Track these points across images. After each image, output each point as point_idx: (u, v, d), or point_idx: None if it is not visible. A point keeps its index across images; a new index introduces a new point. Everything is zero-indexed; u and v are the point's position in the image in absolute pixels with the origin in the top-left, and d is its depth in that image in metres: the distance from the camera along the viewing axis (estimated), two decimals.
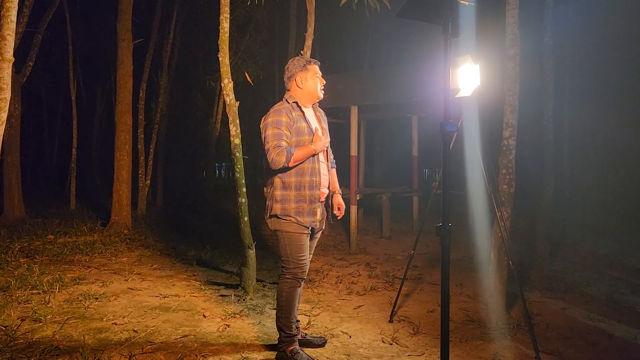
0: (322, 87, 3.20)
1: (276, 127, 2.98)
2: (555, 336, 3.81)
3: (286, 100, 3.14)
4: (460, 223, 8.50)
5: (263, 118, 3.09)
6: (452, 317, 4.14)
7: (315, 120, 3.22)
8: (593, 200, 12.12)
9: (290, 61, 3.22)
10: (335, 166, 3.43)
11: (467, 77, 3.58)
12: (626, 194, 12.75)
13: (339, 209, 3.33)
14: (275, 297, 4.41)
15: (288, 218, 3.02)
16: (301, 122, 3.07)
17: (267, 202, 3.14)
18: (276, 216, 3.05)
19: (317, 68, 3.19)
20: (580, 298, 4.98)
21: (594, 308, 4.63)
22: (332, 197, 3.34)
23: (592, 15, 10.00)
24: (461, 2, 1.90)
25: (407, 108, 9.35)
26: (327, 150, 3.26)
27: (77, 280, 4.96)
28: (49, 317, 3.79)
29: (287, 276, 3.08)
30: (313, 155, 3.03)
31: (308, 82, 3.15)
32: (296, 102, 3.13)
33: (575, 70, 10.57)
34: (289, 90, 3.20)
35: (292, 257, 3.05)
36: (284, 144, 2.96)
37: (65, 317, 3.81)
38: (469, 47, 4.02)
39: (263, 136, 3.02)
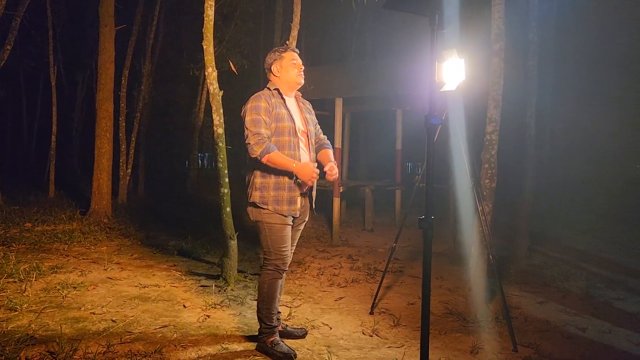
0: (301, 73, 3.15)
1: (255, 113, 2.96)
2: (533, 329, 3.87)
3: (268, 88, 3.13)
4: (442, 217, 8.61)
5: (243, 105, 3.06)
6: (432, 310, 4.17)
7: (297, 110, 3.19)
8: (573, 196, 12.32)
9: (268, 52, 3.22)
10: (331, 147, 3.36)
11: (452, 71, 3.58)
12: (605, 190, 12.99)
13: (330, 170, 3.12)
14: (256, 288, 4.40)
15: (267, 207, 2.99)
16: (281, 108, 3.05)
17: (247, 190, 3.11)
18: (254, 204, 3.03)
19: (293, 54, 3.15)
20: (557, 292, 5.07)
21: (570, 302, 4.71)
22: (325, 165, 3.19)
23: (575, 14, 10.11)
24: None
25: (391, 101, 9.37)
26: (309, 139, 3.20)
27: (55, 269, 4.88)
28: (25, 306, 3.73)
29: (269, 267, 3.07)
30: (290, 171, 2.92)
31: (284, 69, 3.12)
32: (277, 90, 3.11)
33: (559, 67, 10.69)
34: (270, 81, 3.19)
35: (273, 249, 3.04)
36: (263, 131, 2.94)
37: (42, 306, 3.75)
38: (454, 41, 4.03)
39: (243, 122, 3.00)
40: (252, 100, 3.02)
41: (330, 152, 3.32)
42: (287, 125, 3.02)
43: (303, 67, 3.18)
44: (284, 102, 3.10)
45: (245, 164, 3.01)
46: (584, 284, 5.40)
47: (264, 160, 2.89)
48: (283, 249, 3.05)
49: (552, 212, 10.59)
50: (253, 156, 2.91)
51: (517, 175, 6.78)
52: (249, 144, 2.91)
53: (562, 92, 11.30)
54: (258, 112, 2.97)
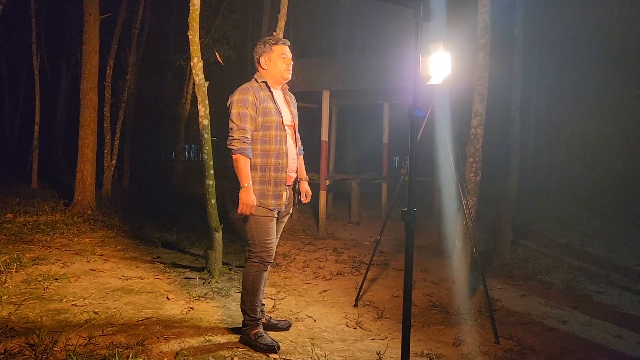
0: (289, 68, 3.11)
1: (242, 106, 2.94)
2: (514, 322, 3.91)
3: (255, 80, 3.09)
4: (427, 210, 8.66)
5: (230, 95, 3.03)
6: (415, 302, 4.20)
7: (285, 104, 3.18)
8: (556, 191, 12.47)
9: (258, 42, 3.17)
10: (302, 152, 3.39)
11: (439, 64, 3.58)
12: (587, 185, 13.17)
13: (305, 195, 3.34)
14: (240, 280, 4.39)
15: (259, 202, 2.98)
16: (268, 102, 3.03)
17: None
18: None
19: (283, 48, 3.10)
20: (539, 286, 5.13)
21: (551, 295, 4.77)
22: (298, 184, 3.32)
23: (562, 9, 10.18)
24: None
25: (379, 95, 9.36)
26: (296, 134, 3.22)
27: (37, 261, 4.82)
28: (5, 297, 3.67)
29: (254, 260, 3.05)
30: (244, 187, 2.90)
31: (272, 62, 3.08)
32: (265, 82, 3.08)
33: (543, 63, 10.78)
34: (257, 71, 3.15)
35: (259, 241, 3.02)
36: (248, 127, 2.93)
37: (23, 298, 3.70)
38: (441, 34, 4.03)
39: (229, 113, 2.97)
40: (240, 93, 2.99)
41: (302, 160, 3.37)
42: (274, 120, 3.01)
43: (292, 62, 3.13)
44: (272, 95, 3.08)
45: (231, 157, 2.98)
46: (566, 278, 5.47)
47: (234, 156, 2.92)
48: (268, 241, 3.04)
49: (535, 206, 10.71)
50: (229, 147, 2.93)
51: (502, 169, 6.84)
52: (232, 137, 2.92)
53: (546, 88, 11.41)
54: (245, 105, 2.94)
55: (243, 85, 3.04)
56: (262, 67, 3.10)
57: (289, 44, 3.16)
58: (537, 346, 3.42)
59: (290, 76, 3.14)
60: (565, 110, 12.61)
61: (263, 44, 3.12)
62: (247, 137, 2.92)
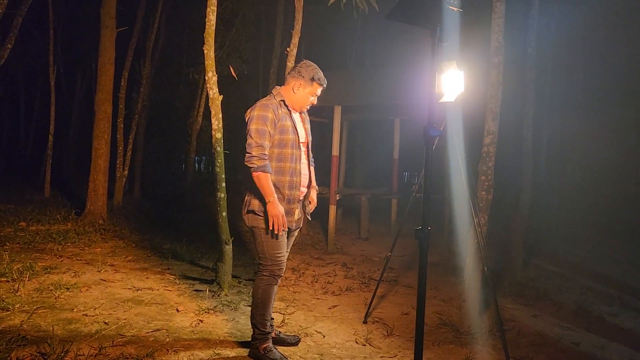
0: (309, 106, 3.21)
1: (262, 123, 2.95)
2: (526, 342, 3.87)
3: (274, 96, 3.11)
4: (436, 227, 8.61)
5: (249, 110, 3.05)
6: (425, 321, 4.12)
7: (300, 122, 3.21)
8: (567, 209, 12.35)
9: (305, 63, 3.19)
10: (313, 164, 3.40)
11: (451, 82, 3.60)
12: (600, 204, 13.04)
13: (310, 202, 3.34)
14: (250, 293, 4.39)
15: (265, 216, 3.00)
16: (287, 120, 3.06)
17: (245, 198, 3.10)
18: (253, 212, 3.02)
19: (318, 89, 3.17)
20: (551, 306, 5.07)
21: (564, 316, 4.71)
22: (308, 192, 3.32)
23: (574, 29, 10.19)
24: (450, 7, 1.91)
25: (390, 111, 9.40)
26: (308, 149, 3.25)
27: (49, 270, 4.85)
28: (18, 305, 3.70)
29: (264, 273, 3.06)
30: (268, 201, 2.93)
31: (302, 93, 3.13)
32: (284, 101, 3.11)
33: (556, 81, 10.76)
34: (282, 87, 3.18)
35: (269, 254, 3.03)
36: (266, 144, 2.95)
37: (35, 307, 3.72)
38: (454, 53, 4.05)
39: (247, 128, 2.98)
40: (260, 109, 2.99)
41: (313, 171, 3.36)
42: (291, 138, 3.04)
43: (315, 103, 3.23)
44: (290, 114, 3.12)
45: (241, 169, 3.02)
46: (578, 298, 5.41)
47: (254, 174, 2.91)
48: (278, 255, 3.05)
49: (547, 224, 10.62)
50: (248, 165, 2.92)
51: (513, 188, 6.80)
52: (251, 154, 2.91)
53: (559, 106, 11.37)
54: (265, 122, 2.96)
55: (262, 102, 3.05)
56: (292, 90, 3.14)
57: (325, 86, 3.20)
58: None
59: (305, 111, 3.25)
60: (578, 128, 12.54)
61: (307, 71, 3.14)
62: (265, 154, 2.94)
